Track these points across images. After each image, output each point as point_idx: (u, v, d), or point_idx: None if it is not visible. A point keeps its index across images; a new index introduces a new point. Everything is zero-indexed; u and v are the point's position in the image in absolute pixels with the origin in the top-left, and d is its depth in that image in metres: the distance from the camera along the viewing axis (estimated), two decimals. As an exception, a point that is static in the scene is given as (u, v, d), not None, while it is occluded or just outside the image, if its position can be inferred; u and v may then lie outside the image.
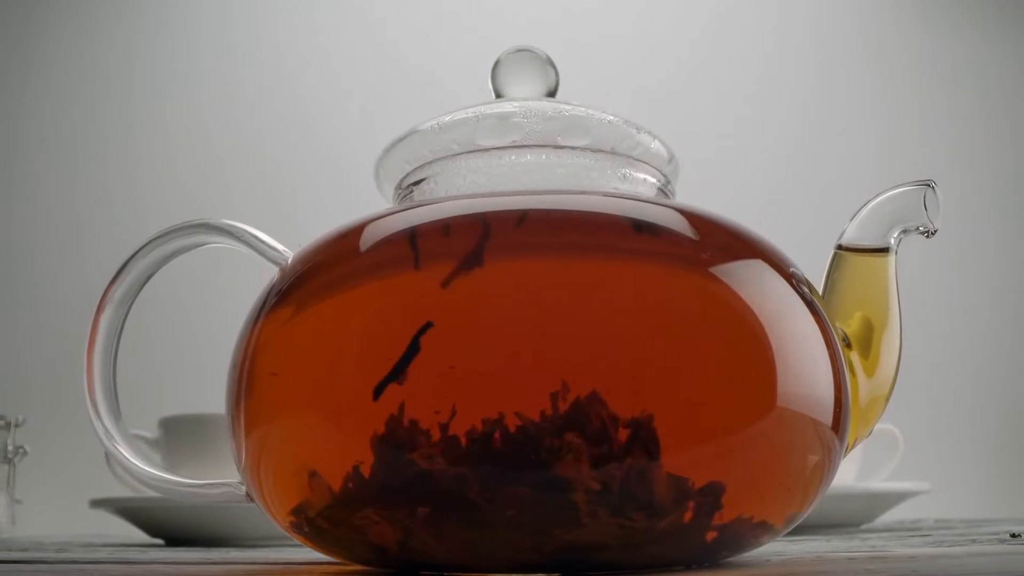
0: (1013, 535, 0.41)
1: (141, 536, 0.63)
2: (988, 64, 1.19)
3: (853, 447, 0.29)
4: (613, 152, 0.29)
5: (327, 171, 1.11)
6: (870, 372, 0.29)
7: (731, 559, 0.28)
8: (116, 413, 0.30)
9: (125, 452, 0.30)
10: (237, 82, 1.16)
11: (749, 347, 0.24)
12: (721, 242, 0.26)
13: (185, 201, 1.11)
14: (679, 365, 0.23)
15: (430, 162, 0.29)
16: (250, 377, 0.26)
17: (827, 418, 0.26)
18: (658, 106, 1.13)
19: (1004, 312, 1.13)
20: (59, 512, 1.00)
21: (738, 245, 0.26)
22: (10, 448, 0.87)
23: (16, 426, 0.88)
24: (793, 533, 0.54)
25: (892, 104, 1.17)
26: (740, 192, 1.10)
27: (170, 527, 0.56)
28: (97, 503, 0.59)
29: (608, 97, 1.09)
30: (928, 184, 0.31)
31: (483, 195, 0.27)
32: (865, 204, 0.31)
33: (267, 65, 1.16)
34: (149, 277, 0.31)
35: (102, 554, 0.41)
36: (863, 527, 0.62)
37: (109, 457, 0.65)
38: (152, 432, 0.64)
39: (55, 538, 0.67)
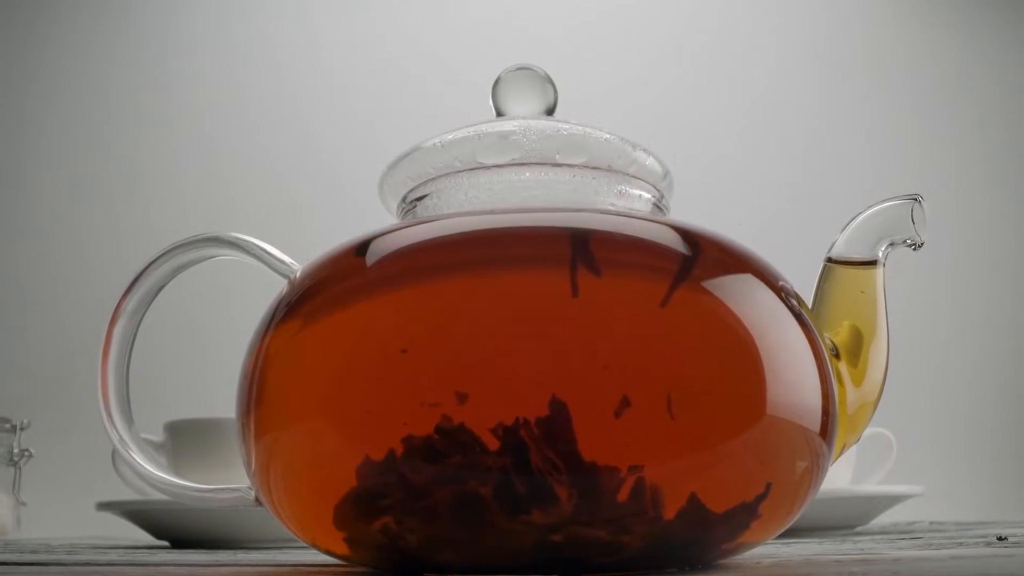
0: (1000, 538, 0.41)
1: (146, 538, 0.64)
2: (983, 74, 1.20)
3: (841, 453, 0.30)
4: (610, 169, 0.30)
5: (331, 184, 1.12)
6: (858, 381, 0.30)
7: (722, 561, 0.29)
8: (129, 420, 0.32)
9: (139, 458, 0.31)
10: (242, 97, 1.17)
11: (739, 358, 0.25)
12: (713, 257, 0.27)
13: (189, 209, 1.12)
14: (670, 376, 0.24)
15: (433, 178, 0.30)
16: (260, 386, 0.27)
17: (815, 426, 0.27)
18: (656, 119, 1.14)
19: (998, 316, 1.14)
20: (64, 514, 1.01)
21: (729, 260, 0.27)
22: (15, 451, 0.88)
23: (21, 429, 0.89)
24: (787, 536, 0.55)
25: (887, 118, 1.18)
26: (736, 205, 1.11)
27: (176, 529, 0.57)
28: (104, 505, 0.60)
29: (607, 110, 1.11)
30: (915, 198, 0.32)
31: (485, 212, 0.28)
32: (854, 218, 0.32)
33: (273, 81, 1.17)
34: (161, 289, 0.32)
35: (112, 556, 0.42)
36: (857, 530, 0.62)
37: (116, 460, 0.66)
38: (158, 436, 0.65)
39: (62, 540, 0.68)
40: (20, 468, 0.89)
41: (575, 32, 1.18)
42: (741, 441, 0.25)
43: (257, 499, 0.29)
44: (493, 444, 0.23)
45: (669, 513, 0.24)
